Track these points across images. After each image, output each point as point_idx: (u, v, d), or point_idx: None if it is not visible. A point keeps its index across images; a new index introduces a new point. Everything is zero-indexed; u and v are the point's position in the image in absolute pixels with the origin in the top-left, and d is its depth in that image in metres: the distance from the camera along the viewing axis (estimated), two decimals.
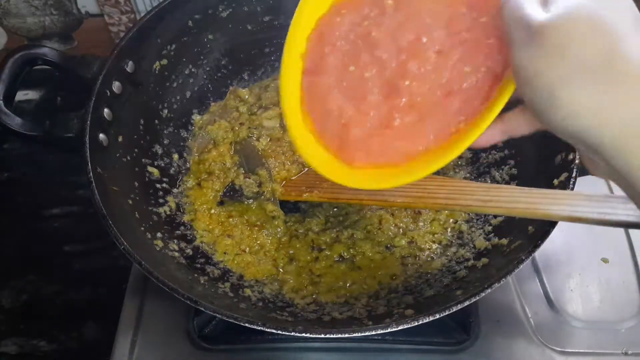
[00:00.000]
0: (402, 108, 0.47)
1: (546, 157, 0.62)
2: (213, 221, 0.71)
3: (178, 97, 0.77)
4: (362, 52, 0.48)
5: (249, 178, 0.72)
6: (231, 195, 0.72)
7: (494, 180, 0.71)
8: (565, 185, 0.57)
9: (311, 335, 0.51)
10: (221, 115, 0.79)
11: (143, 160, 0.70)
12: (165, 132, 0.75)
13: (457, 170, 0.75)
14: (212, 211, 0.72)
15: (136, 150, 0.69)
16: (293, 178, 0.74)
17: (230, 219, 0.71)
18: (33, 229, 0.85)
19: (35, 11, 0.93)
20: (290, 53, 0.49)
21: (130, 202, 0.64)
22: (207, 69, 0.80)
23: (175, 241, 0.66)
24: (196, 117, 0.79)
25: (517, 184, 0.67)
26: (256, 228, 0.71)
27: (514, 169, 0.69)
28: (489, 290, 0.51)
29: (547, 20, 0.35)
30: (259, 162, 0.74)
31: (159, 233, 0.64)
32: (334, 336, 0.51)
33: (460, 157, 0.76)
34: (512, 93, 0.42)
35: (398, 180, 0.49)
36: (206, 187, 0.73)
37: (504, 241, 0.61)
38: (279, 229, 0.70)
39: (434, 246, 0.69)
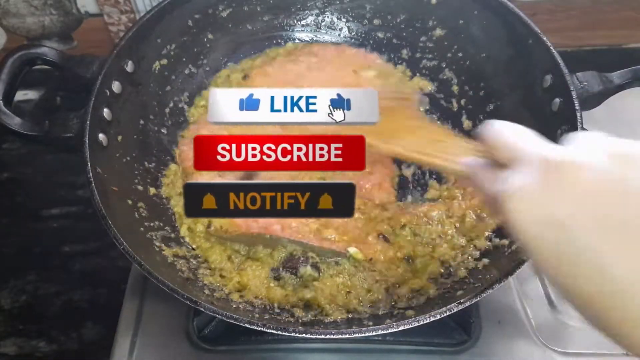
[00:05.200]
0: None
1: None
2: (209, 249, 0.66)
3: (178, 98, 0.77)
4: None
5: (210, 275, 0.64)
6: None
7: None
8: None
9: (311, 336, 0.51)
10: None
11: (143, 160, 0.70)
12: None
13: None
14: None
15: (136, 150, 0.69)
16: None
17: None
18: (32, 229, 0.85)
19: (35, 11, 0.93)
20: None
21: (130, 202, 0.63)
22: (207, 69, 0.80)
23: (175, 242, 0.65)
24: None
25: None
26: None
27: None
28: (490, 291, 0.51)
29: None
30: None
31: (158, 234, 0.64)
32: (334, 337, 0.51)
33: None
34: None
35: None
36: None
37: (505, 242, 0.61)
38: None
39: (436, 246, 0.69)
